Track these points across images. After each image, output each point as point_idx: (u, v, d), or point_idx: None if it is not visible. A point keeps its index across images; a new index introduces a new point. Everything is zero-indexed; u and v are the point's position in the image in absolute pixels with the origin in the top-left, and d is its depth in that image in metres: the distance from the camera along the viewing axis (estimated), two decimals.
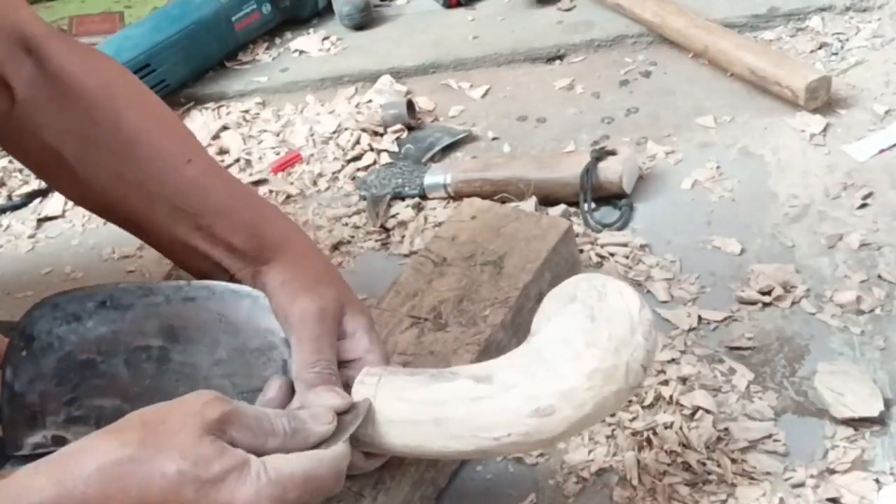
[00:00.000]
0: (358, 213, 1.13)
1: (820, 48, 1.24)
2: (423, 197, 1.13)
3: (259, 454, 0.62)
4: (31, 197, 1.28)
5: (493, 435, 0.67)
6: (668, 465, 0.79)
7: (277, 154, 1.25)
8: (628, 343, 0.66)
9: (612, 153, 1.07)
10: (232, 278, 0.79)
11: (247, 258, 0.78)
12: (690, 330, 0.91)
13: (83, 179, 0.80)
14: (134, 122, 0.80)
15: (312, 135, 1.26)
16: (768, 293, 0.92)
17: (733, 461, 0.78)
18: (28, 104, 0.80)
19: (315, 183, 1.19)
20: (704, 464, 0.78)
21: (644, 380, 0.68)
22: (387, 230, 1.10)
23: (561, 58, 1.34)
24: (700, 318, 0.92)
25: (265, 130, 1.30)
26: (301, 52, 1.46)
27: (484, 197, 1.03)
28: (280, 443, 0.63)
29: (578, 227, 1.03)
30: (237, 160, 1.26)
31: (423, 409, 0.69)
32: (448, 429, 0.68)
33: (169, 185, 0.79)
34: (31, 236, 1.22)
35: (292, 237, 0.79)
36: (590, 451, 0.81)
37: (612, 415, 0.83)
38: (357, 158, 1.21)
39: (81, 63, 0.81)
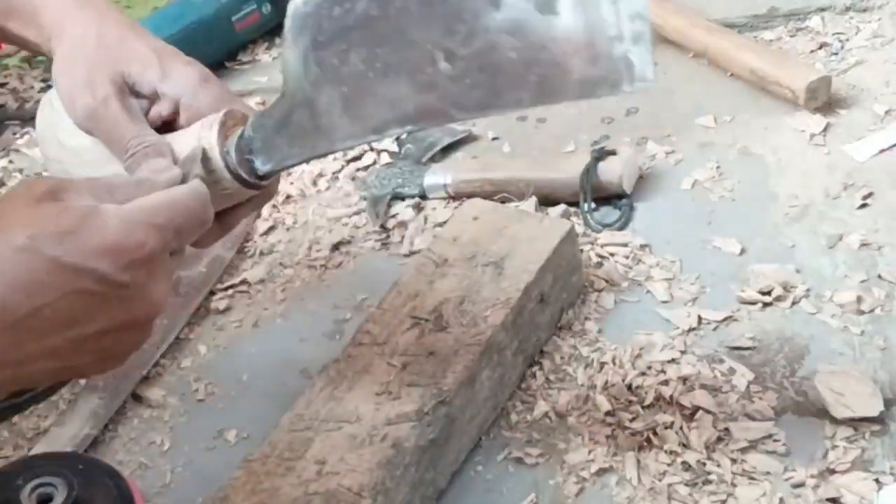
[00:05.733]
0: (358, 213, 1.13)
1: (820, 48, 1.24)
2: (423, 197, 1.13)
3: None
4: None
5: None
6: (668, 465, 0.79)
7: None
8: None
9: (612, 153, 1.07)
10: None
11: (44, 48, 0.75)
12: (690, 330, 0.91)
13: None
14: None
15: None
16: (768, 293, 0.92)
17: (733, 461, 0.79)
18: None
19: (315, 183, 1.19)
20: (704, 464, 0.79)
21: None
22: (387, 230, 1.10)
23: None
24: (700, 318, 0.92)
25: None
26: None
27: (484, 197, 1.03)
28: (126, 195, 0.59)
29: (578, 227, 1.03)
30: None
31: None
32: None
33: None
34: None
35: (67, 20, 0.74)
36: (590, 451, 0.81)
37: (612, 414, 0.83)
38: (357, 158, 1.21)
39: None
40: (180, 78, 0.70)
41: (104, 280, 0.55)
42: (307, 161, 0.67)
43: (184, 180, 0.63)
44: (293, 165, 0.67)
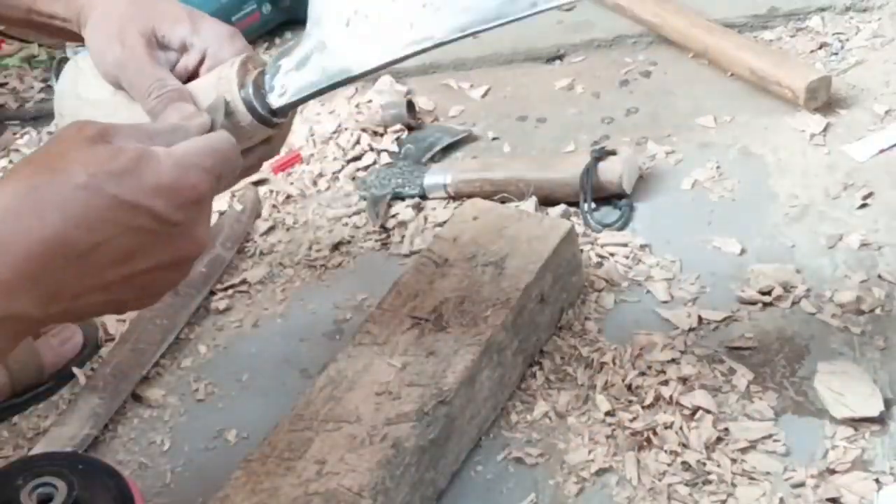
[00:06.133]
0: (358, 213, 1.13)
1: (820, 48, 1.24)
2: (423, 197, 1.13)
3: None
4: None
5: None
6: (668, 465, 0.79)
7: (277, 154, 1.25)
8: None
9: (612, 153, 1.07)
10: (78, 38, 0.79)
11: (73, 23, 0.78)
12: (690, 330, 0.91)
13: None
14: None
15: (312, 135, 1.26)
16: (768, 293, 0.92)
17: (733, 461, 0.79)
18: None
19: (315, 183, 1.19)
20: (704, 464, 0.79)
21: None
22: (387, 230, 1.10)
23: (561, 58, 1.34)
24: (700, 318, 0.92)
25: None
26: None
27: (484, 197, 1.03)
28: (165, 141, 0.62)
29: (578, 227, 1.03)
30: None
31: None
32: None
33: None
34: None
35: None
36: (590, 451, 0.81)
37: (612, 414, 0.84)
38: (357, 158, 1.22)
39: None
40: (209, 30, 0.74)
41: (159, 218, 0.58)
42: (321, 92, 0.69)
43: (212, 127, 0.65)
44: (307, 98, 0.69)
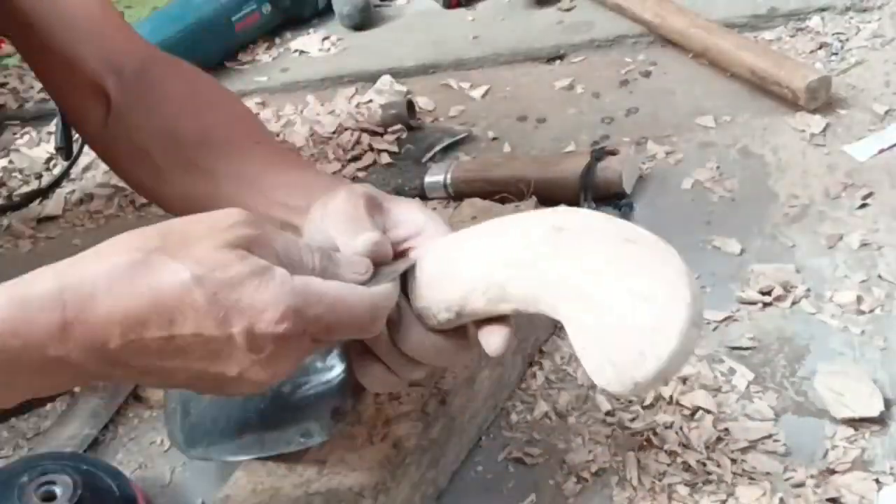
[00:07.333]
0: None
1: (820, 48, 1.24)
2: (423, 197, 1.13)
3: None
4: (31, 197, 1.28)
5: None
6: (668, 465, 0.79)
7: None
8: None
9: (612, 153, 1.07)
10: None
11: (301, 209, 0.77)
12: None
13: (164, 173, 0.84)
14: (209, 115, 0.86)
15: (312, 135, 1.26)
16: (768, 293, 0.92)
17: (733, 461, 0.79)
18: (122, 110, 0.86)
19: None
20: (704, 464, 0.79)
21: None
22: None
23: (561, 58, 1.34)
24: None
25: None
26: (301, 52, 1.46)
27: (484, 197, 1.03)
28: (313, 266, 0.61)
29: None
30: None
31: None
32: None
33: (235, 165, 0.81)
34: (31, 236, 1.22)
35: (335, 182, 0.79)
36: (590, 451, 0.81)
37: (612, 414, 0.84)
38: (357, 158, 1.22)
39: (172, 72, 0.90)
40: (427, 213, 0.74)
41: (230, 335, 0.57)
42: None
43: (379, 276, 0.63)
44: None
